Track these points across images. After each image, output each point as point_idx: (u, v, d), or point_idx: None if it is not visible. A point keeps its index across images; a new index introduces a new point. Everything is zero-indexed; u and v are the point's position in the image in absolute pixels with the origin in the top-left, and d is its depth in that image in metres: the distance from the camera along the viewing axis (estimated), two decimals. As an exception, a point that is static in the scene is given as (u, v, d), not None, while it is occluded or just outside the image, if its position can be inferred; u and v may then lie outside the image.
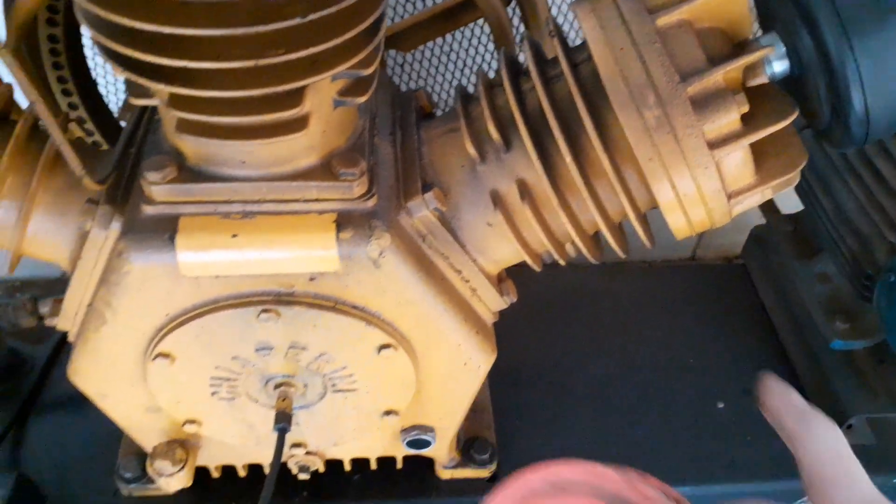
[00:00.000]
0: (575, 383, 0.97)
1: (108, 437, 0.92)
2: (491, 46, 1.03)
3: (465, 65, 1.05)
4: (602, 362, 1.00)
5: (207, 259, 0.58)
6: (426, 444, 0.78)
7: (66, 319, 0.68)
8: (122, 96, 1.09)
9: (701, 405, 0.95)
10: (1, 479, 0.81)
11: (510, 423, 0.91)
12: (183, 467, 0.72)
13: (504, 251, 0.67)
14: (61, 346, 1.08)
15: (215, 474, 0.83)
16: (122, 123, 1.02)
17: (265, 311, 0.60)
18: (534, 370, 0.98)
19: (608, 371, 0.99)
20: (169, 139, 0.60)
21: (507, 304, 0.72)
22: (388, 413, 0.72)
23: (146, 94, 0.56)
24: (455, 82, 1.07)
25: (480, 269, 0.68)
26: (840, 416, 0.89)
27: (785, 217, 1.06)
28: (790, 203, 1.07)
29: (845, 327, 0.91)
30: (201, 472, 0.82)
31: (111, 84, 1.06)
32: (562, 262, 0.67)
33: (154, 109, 0.65)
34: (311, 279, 0.60)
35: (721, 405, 0.95)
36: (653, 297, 1.11)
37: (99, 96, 0.93)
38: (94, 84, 0.92)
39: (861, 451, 0.90)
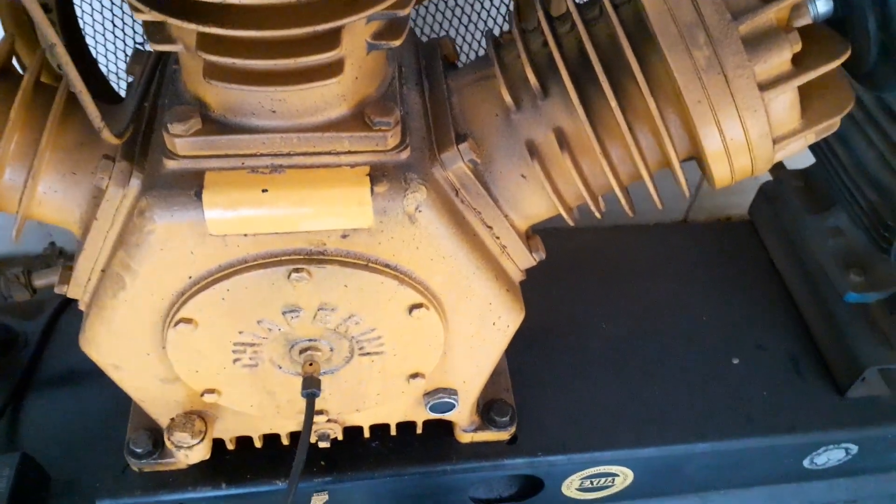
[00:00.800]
0: (589, 344, 0.96)
1: (110, 413, 0.89)
2: (496, 1, 1.00)
3: (469, 20, 1.02)
4: (615, 322, 0.99)
5: (236, 216, 0.54)
6: (450, 407, 0.76)
7: (78, 287, 0.64)
8: (113, 61, 1.03)
9: (716, 362, 0.95)
10: (4, 459, 0.77)
11: (527, 385, 0.90)
12: (202, 439, 0.69)
13: (537, 205, 0.65)
14: (55, 321, 1.04)
15: (230, 446, 0.80)
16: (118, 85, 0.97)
17: (296, 270, 0.57)
18: (547, 331, 0.96)
19: (622, 331, 0.98)
20: (191, 89, 0.56)
21: (536, 261, 0.70)
22: (414, 376, 0.70)
23: (168, 39, 0.52)
24: (463, 35, 1.03)
25: (511, 225, 0.66)
26: (855, 369, 0.90)
27: (794, 172, 1.05)
28: (795, 160, 1.06)
29: (859, 280, 0.91)
30: (215, 445, 0.79)
31: (101, 45, 1.01)
32: (598, 216, 0.65)
33: (167, 61, 0.61)
34: (344, 236, 0.58)
35: (736, 361, 0.95)
36: (660, 258, 1.10)
37: (92, 59, 0.88)
38: (85, 46, 0.87)
39: (875, 403, 0.91)
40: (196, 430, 0.68)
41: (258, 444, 0.80)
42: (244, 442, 0.81)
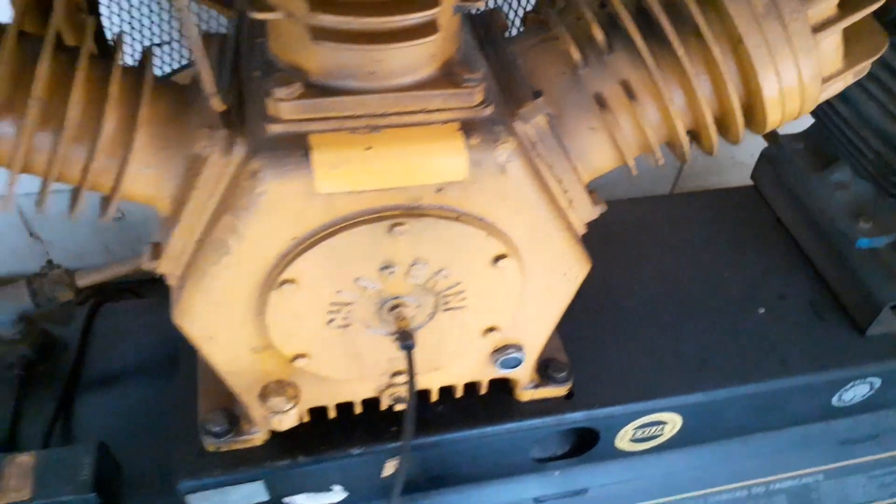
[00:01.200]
0: (625, 305, 1.01)
1: (161, 405, 0.91)
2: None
3: None
4: (645, 285, 1.03)
5: (343, 173, 0.57)
6: (518, 362, 0.80)
7: (171, 260, 0.66)
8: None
9: (744, 313, 1.00)
10: (83, 448, 0.78)
11: (574, 344, 0.93)
12: (296, 404, 0.71)
13: (603, 156, 0.69)
14: (91, 324, 1.05)
15: (305, 418, 0.82)
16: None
17: (398, 223, 0.61)
18: (583, 295, 1.00)
19: (652, 292, 1.02)
20: (285, 58, 0.59)
21: (598, 214, 0.74)
22: (490, 330, 0.74)
23: (268, 7, 0.55)
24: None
25: (578, 178, 0.70)
26: (874, 308, 0.96)
27: (792, 136, 1.12)
28: (791, 125, 1.13)
29: (868, 226, 0.98)
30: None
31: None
32: (660, 163, 0.70)
33: (241, 33, 0.64)
34: (438, 190, 0.61)
35: (762, 310, 1.01)
36: (672, 225, 1.16)
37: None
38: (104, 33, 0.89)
39: (894, 338, 0.98)
40: (290, 395, 0.70)
41: (332, 413, 0.82)
42: (314, 414, 0.82)
